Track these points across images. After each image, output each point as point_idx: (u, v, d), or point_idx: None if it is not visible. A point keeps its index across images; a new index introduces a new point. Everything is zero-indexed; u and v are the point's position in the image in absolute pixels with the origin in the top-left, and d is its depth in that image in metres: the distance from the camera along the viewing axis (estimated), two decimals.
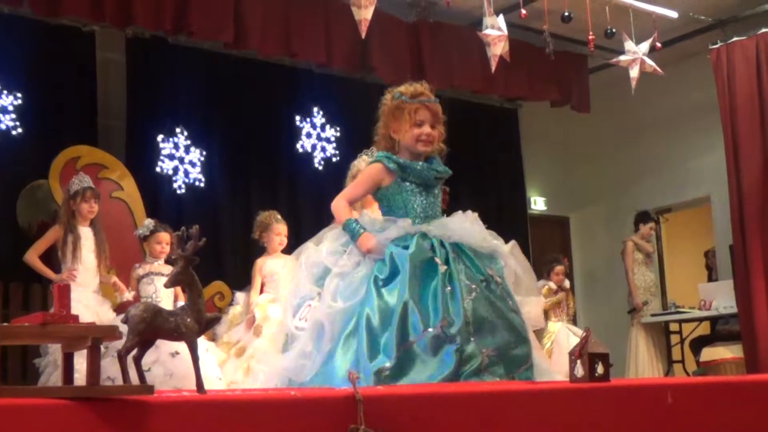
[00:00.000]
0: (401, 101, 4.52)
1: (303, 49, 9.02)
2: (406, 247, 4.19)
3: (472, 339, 3.98)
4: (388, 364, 3.85)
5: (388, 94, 4.60)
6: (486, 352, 3.98)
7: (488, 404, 2.89)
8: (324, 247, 4.41)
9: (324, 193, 9.49)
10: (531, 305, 4.49)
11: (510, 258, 4.46)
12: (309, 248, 4.47)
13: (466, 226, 4.41)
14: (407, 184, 4.45)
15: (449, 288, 4.09)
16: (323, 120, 10.23)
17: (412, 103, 4.50)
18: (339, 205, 4.51)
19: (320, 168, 10.11)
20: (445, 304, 4.03)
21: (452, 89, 9.97)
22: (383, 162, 4.46)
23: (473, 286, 4.14)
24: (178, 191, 9.17)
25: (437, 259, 4.17)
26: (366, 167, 4.58)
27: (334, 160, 10.10)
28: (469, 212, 4.52)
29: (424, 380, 3.82)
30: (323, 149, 10.18)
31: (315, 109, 10.20)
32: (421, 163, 4.47)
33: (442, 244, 4.25)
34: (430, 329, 3.95)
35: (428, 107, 4.51)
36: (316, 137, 10.18)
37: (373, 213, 6.25)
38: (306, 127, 10.12)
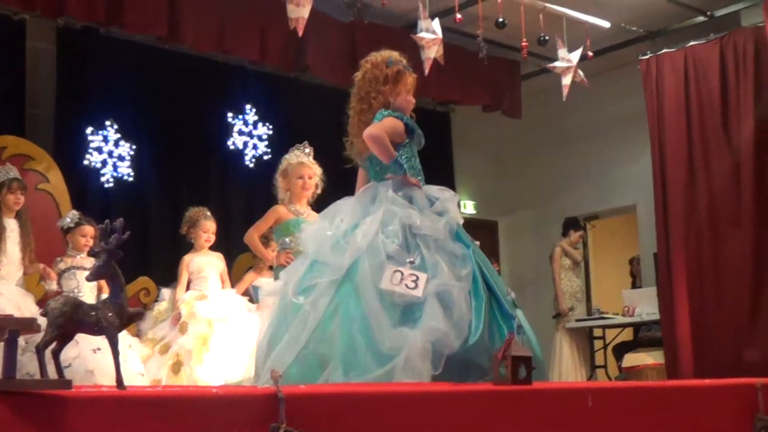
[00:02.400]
0: (402, 68, 4.82)
1: (237, 46, 8.96)
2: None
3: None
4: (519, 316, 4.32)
5: (379, 57, 4.86)
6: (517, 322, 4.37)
7: (411, 405, 2.90)
8: (407, 210, 4.50)
9: (254, 191, 9.46)
10: None
11: None
12: (386, 204, 4.54)
13: None
14: (413, 144, 4.76)
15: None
16: (256, 117, 10.16)
17: (411, 73, 4.86)
18: (381, 134, 4.58)
19: (251, 166, 10.04)
20: (494, 275, 4.48)
21: None
22: (403, 120, 4.70)
23: None
24: (106, 185, 9.04)
25: (470, 238, 4.60)
26: (387, 119, 4.68)
27: (265, 158, 10.04)
28: None
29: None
30: (255, 147, 10.11)
31: (247, 107, 10.13)
32: None
33: None
34: (508, 295, 4.44)
35: (416, 78, 4.91)
36: (248, 135, 10.11)
37: (302, 207, 6.32)
38: (238, 124, 10.04)
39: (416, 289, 4.15)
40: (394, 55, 4.87)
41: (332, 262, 4.34)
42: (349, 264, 4.28)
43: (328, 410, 2.66)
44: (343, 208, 4.67)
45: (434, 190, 4.69)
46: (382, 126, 4.63)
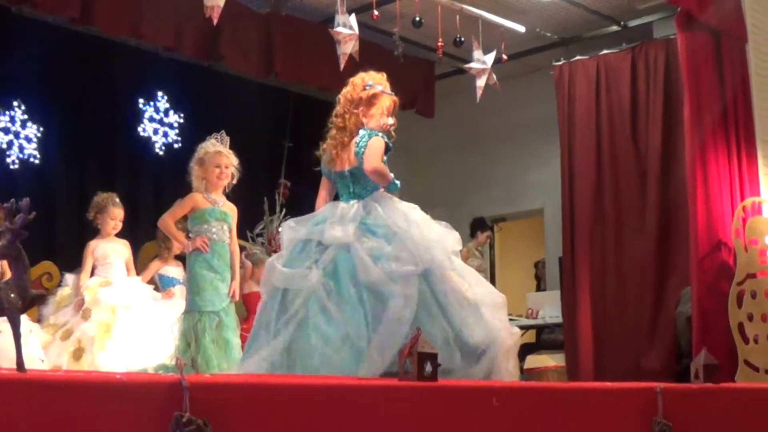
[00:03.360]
0: (379, 91, 5.00)
1: (151, 31, 8.79)
2: None
3: None
4: None
5: (360, 79, 5.03)
6: None
7: (315, 396, 2.89)
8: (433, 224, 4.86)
9: (163, 179, 9.35)
10: None
11: None
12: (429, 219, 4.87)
13: None
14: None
15: None
16: (167, 105, 10.05)
17: (391, 96, 5.05)
18: (382, 166, 4.87)
19: (161, 153, 9.93)
20: None
21: (300, 84, 9.93)
22: (386, 140, 4.92)
23: None
24: (11, 166, 8.88)
25: None
26: (375, 140, 4.86)
27: (175, 146, 9.94)
28: None
29: None
30: (165, 134, 10.01)
31: (159, 94, 10.02)
32: None
33: None
34: None
35: (395, 101, 5.06)
36: (159, 122, 10.00)
37: (218, 197, 6.34)
38: (149, 111, 9.93)
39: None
40: (376, 78, 5.03)
41: (405, 256, 4.53)
42: (427, 260, 4.53)
43: (233, 399, 2.64)
44: (354, 207, 4.89)
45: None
46: (377, 154, 4.82)
